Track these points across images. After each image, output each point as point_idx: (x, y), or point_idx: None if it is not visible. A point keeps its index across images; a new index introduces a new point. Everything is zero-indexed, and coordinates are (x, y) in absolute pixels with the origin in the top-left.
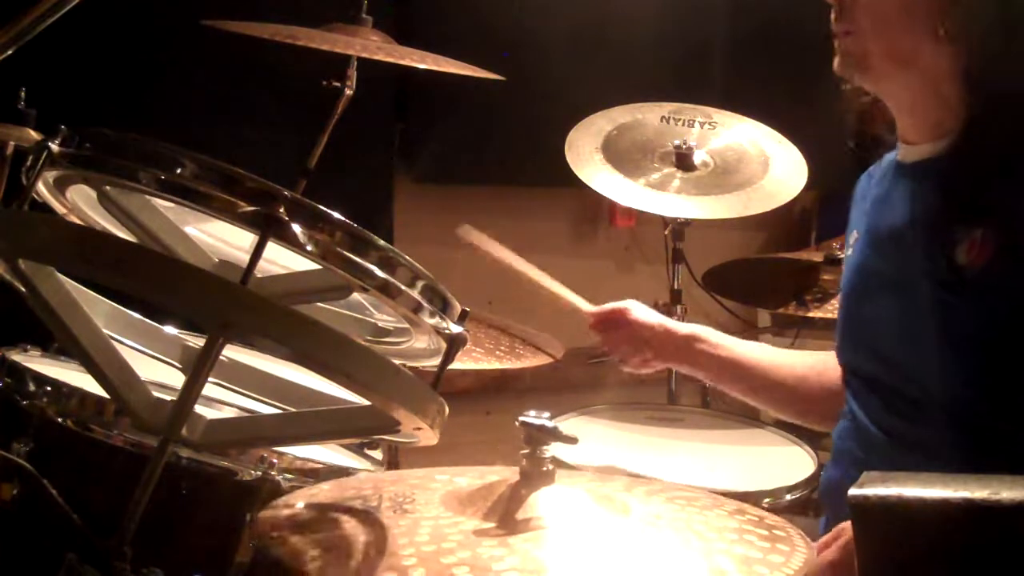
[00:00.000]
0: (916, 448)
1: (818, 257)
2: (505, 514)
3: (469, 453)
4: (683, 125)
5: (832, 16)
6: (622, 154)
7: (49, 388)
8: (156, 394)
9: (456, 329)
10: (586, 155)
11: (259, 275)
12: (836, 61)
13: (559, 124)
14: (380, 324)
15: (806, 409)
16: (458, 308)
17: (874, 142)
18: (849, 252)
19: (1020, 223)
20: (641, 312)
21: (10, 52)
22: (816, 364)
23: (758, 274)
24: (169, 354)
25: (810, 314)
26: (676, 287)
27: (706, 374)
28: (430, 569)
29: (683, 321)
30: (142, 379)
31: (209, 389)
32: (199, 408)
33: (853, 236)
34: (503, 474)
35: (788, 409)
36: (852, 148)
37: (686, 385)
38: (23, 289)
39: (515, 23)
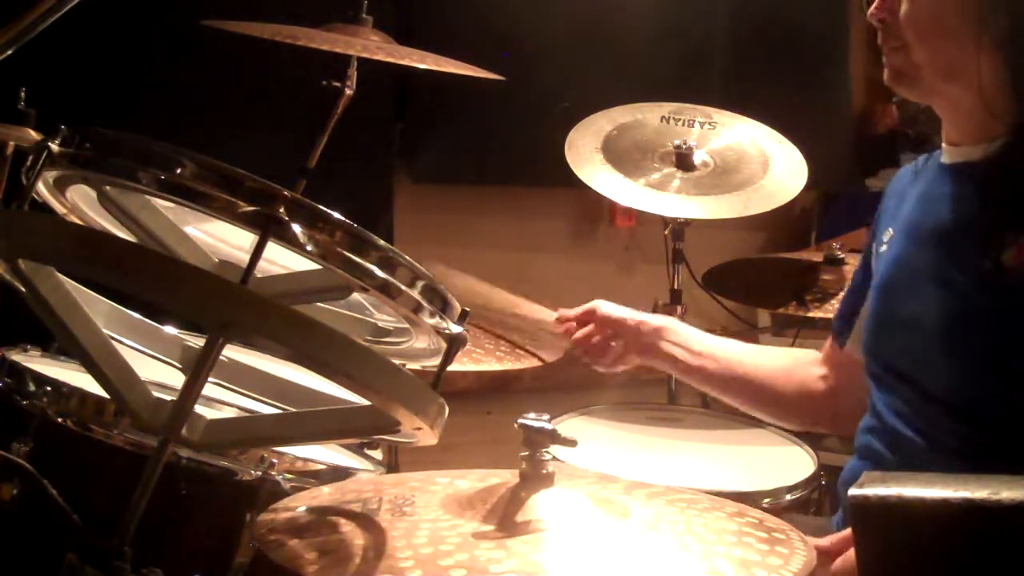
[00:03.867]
0: (942, 449)
1: (818, 257)
2: (504, 516)
3: (469, 453)
4: (683, 125)
5: (879, 34)
6: (622, 154)
7: (49, 388)
8: (156, 394)
9: (456, 329)
10: (586, 155)
11: (259, 275)
12: (886, 76)
13: (559, 124)
14: (380, 324)
15: (776, 407)
16: (458, 308)
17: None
18: (884, 248)
19: None
20: (608, 308)
21: (10, 52)
22: (788, 362)
23: (758, 274)
24: (169, 354)
25: (810, 314)
26: (676, 287)
27: (676, 368)
28: (427, 571)
29: (683, 321)
30: (142, 379)
31: (209, 389)
32: (199, 408)
33: (888, 233)
34: (504, 476)
35: (758, 407)
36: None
37: (686, 385)
38: (23, 289)
39: (515, 23)
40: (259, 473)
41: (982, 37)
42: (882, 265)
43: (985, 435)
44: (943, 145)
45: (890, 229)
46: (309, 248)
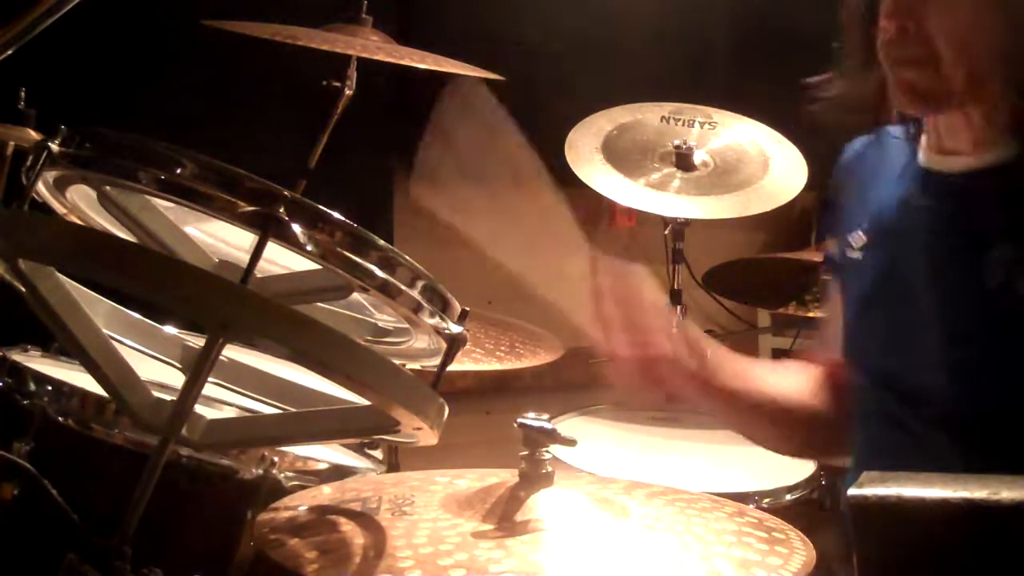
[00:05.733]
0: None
1: (818, 257)
2: (503, 516)
3: (469, 453)
4: (683, 125)
5: (885, 40)
6: (622, 154)
7: (50, 388)
8: (156, 394)
9: (456, 329)
10: (586, 155)
11: (259, 275)
12: (900, 95)
13: (559, 124)
14: (380, 324)
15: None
16: (458, 308)
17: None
18: (856, 256)
19: None
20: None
21: (10, 52)
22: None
23: (758, 274)
24: (169, 354)
25: (810, 314)
26: (676, 287)
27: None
28: (426, 571)
29: (683, 321)
30: (142, 379)
31: (209, 389)
32: (199, 408)
33: (859, 238)
34: (503, 476)
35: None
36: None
37: None
38: (23, 289)
39: (515, 23)
40: (260, 472)
41: (1015, 46)
42: (860, 274)
43: (986, 451)
44: (924, 150)
45: (859, 233)
46: (309, 248)
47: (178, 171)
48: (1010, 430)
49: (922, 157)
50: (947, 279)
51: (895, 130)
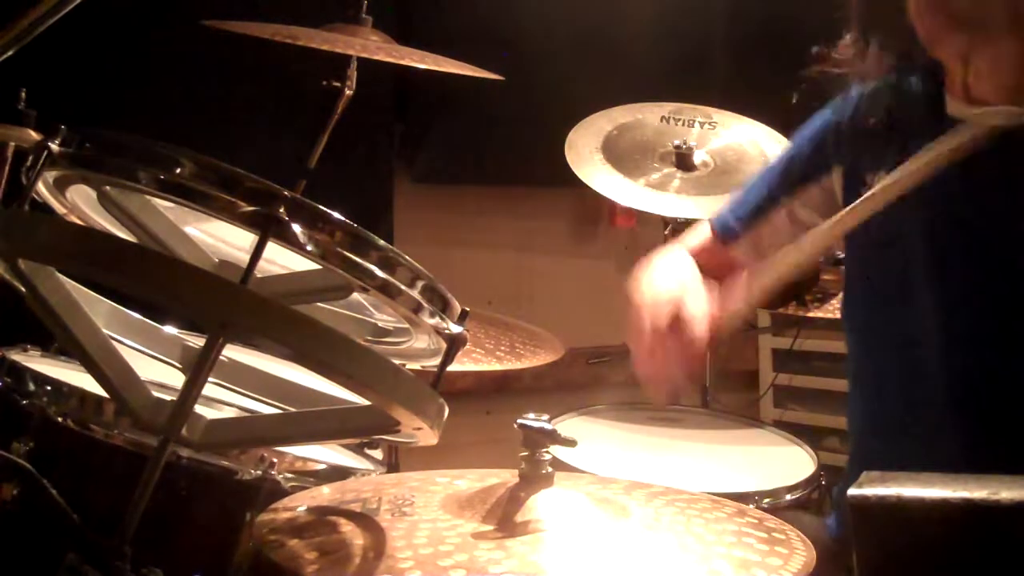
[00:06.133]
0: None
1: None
2: (504, 517)
3: (469, 453)
4: (683, 125)
5: (936, 43)
6: (622, 154)
7: (49, 388)
8: (156, 394)
9: (456, 329)
10: (586, 155)
11: (259, 275)
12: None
13: (559, 124)
14: (380, 324)
15: None
16: (458, 308)
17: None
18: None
19: None
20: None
21: (10, 53)
22: None
23: None
24: (169, 354)
25: (810, 314)
26: None
27: None
28: (426, 572)
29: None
30: (142, 379)
31: (209, 389)
32: (199, 408)
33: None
34: (503, 476)
35: None
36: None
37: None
38: (23, 289)
39: (515, 23)
40: (259, 472)
41: None
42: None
43: (986, 450)
44: (950, 100)
45: (882, 174)
46: (309, 248)
47: (178, 171)
48: (1010, 420)
49: (950, 107)
50: (980, 228)
51: (912, 80)
